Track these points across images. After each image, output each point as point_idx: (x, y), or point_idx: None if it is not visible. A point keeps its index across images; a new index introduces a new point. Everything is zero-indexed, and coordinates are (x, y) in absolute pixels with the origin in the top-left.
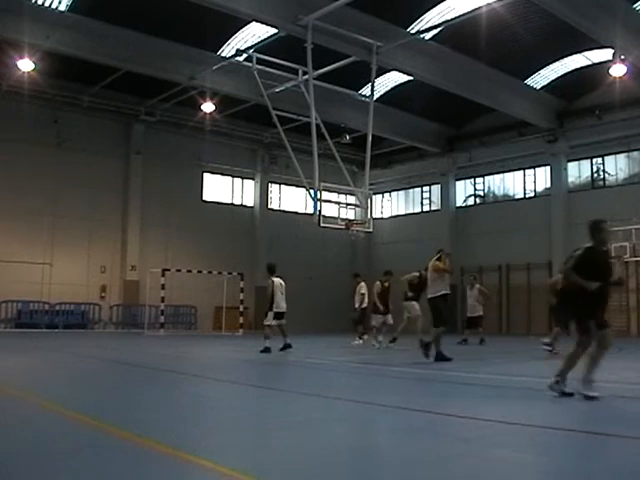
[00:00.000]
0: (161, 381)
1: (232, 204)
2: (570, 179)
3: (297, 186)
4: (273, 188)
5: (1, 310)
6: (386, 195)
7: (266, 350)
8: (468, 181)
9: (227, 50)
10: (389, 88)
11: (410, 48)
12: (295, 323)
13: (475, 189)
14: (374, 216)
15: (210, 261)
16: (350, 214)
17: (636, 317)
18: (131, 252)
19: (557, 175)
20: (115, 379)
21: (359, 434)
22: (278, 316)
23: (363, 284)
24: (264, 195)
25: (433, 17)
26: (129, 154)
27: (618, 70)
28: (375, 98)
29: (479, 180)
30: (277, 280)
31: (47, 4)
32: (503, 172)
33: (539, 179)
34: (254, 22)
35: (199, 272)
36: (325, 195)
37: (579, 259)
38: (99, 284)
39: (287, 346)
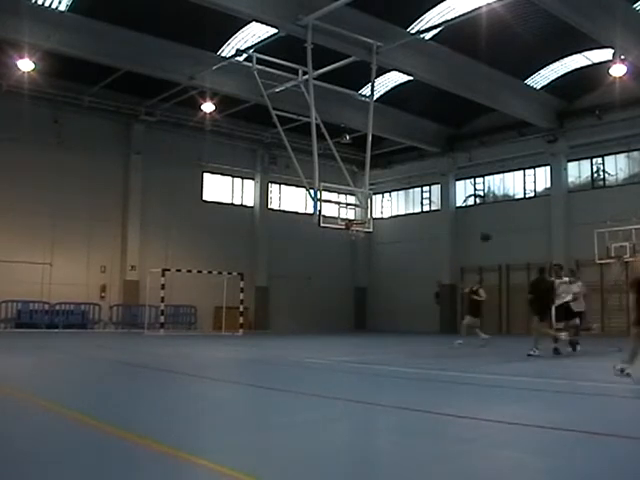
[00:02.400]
0: (161, 381)
1: (232, 204)
2: (570, 179)
3: (297, 186)
4: (273, 188)
5: (1, 310)
6: (386, 195)
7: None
8: (468, 181)
9: (227, 50)
10: (389, 88)
11: (410, 48)
12: (295, 323)
13: (475, 189)
14: (374, 216)
15: (210, 261)
16: (350, 214)
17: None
18: (131, 252)
19: (557, 175)
20: (115, 379)
21: (359, 434)
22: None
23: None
24: (264, 195)
25: (433, 17)
26: (129, 154)
27: (618, 70)
28: (375, 98)
29: (479, 180)
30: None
31: (47, 4)
32: (503, 172)
33: (539, 179)
34: (254, 22)
35: (199, 272)
36: (325, 195)
37: None
38: (99, 284)
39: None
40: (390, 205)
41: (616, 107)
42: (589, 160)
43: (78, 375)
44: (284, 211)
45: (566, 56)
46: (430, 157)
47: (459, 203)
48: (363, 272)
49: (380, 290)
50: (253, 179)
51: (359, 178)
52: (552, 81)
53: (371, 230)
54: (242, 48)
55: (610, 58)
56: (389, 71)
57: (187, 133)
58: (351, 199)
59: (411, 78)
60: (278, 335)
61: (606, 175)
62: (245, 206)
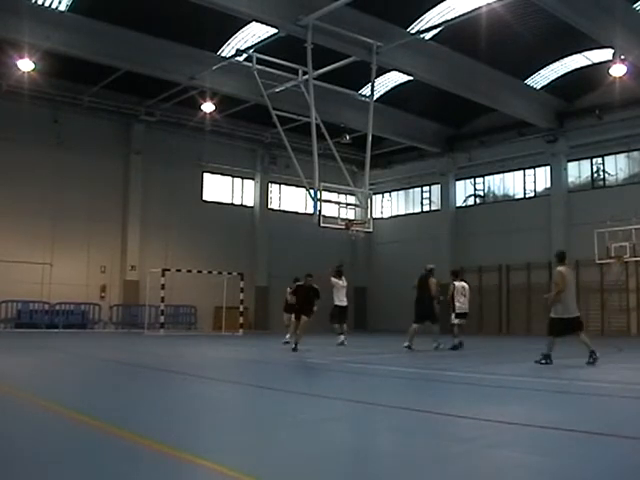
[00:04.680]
0: (161, 381)
1: (232, 204)
2: (570, 179)
3: (297, 186)
4: (273, 188)
5: (1, 310)
6: (386, 195)
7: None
8: (468, 181)
9: (227, 50)
10: (389, 88)
11: (410, 48)
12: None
13: (475, 189)
14: (374, 216)
15: (210, 261)
16: (350, 214)
17: (636, 317)
18: (131, 252)
19: (557, 175)
20: (115, 379)
21: (359, 434)
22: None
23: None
24: (264, 195)
25: (433, 17)
26: (129, 154)
27: (618, 70)
28: (375, 98)
29: (479, 180)
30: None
31: (47, 4)
32: (503, 172)
33: (539, 179)
34: (254, 22)
35: (199, 272)
36: (325, 195)
37: None
38: (99, 284)
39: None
40: (390, 205)
41: (616, 107)
42: (589, 160)
43: (78, 375)
44: (284, 211)
45: (566, 56)
46: (430, 157)
47: (459, 203)
48: (363, 272)
49: (380, 290)
50: (253, 179)
51: (359, 178)
52: (552, 81)
53: (371, 230)
54: (242, 48)
55: (610, 58)
56: (389, 71)
57: (187, 133)
58: (351, 199)
59: (411, 78)
60: (278, 335)
61: (606, 175)
62: (245, 206)
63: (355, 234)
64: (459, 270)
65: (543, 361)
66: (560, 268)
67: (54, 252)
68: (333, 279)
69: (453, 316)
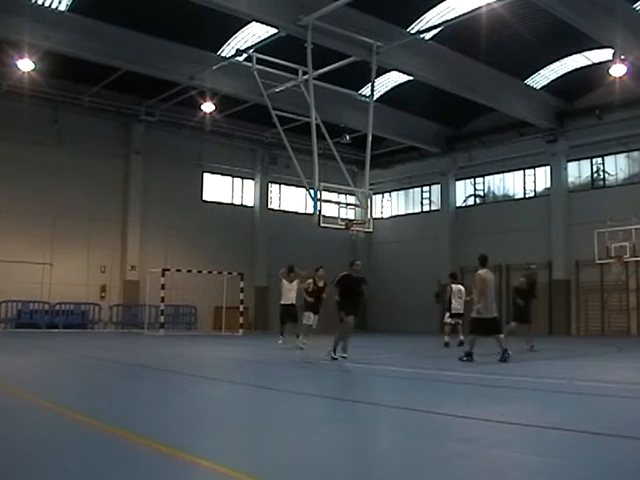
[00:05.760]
0: (161, 381)
1: (232, 204)
2: (570, 179)
3: (297, 186)
4: (273, 188)
5: (1, 310)
6: (386, 195)
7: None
8: (468, 181)
9: (227, 50)
10: (389, 88)
11: (410, 48)
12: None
13: (475, 189)
14: (374, 216)
15: (210, 261)
16: (350, 214)
17: (636, 317)
18: (131, 252)
19: (557, 175)
20: (115, 379)
21: (359, 434)
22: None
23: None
24: (264, 195)
25: (433, 17)
26: (129, 154)
27: (618, 70)
28: (375, 98)
29: (479, 180)
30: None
31: (47, 4)
32: (503, 172)
33: (539, 179)
34: (254, 22)
35: (199, 272)
36: (325, 195)
37: None
38: (99, 284)
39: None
40: (390, 205)
41: (616, 107)
42: (589, 160)
43: (77, 375)
44: (284, 211)
45: (566, 56)
46: (430, 157)
47: (459, 203)
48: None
49: (380, 290)
50: (253, 179)
51: (359, 178)
52: (552, 81)
53: (371, 230)
54: (242, 48)
55: (610, 58)
56: (389, 71)
57: (187, 133)
58: (351, 199)
59: (411, 78)
60: (278, 335)
61: (606, 175)
62: (245, 206)
63: (355, 234)
64: (456, 273)
65: (465, 358)
66: (480, 271)
67: (54, 252)
68: (285, 280)
69: (447, 315)
